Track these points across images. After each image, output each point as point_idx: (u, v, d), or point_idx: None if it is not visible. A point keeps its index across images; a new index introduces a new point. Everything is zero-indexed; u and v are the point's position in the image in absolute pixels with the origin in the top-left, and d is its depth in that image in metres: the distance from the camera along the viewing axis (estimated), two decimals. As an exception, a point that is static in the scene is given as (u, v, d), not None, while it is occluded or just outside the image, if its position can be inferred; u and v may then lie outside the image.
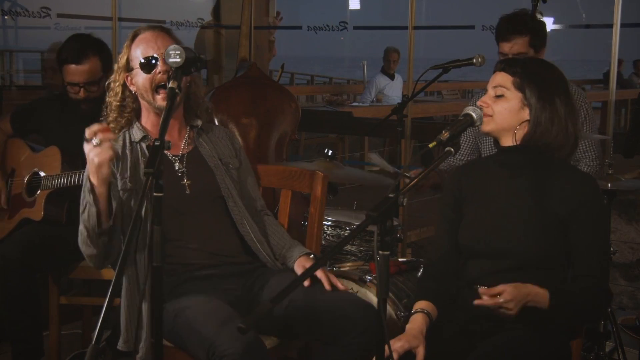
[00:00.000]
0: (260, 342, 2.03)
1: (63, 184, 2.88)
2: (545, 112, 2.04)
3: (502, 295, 1.92)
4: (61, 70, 3.01)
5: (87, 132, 1.98)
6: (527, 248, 2.03)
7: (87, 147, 1.99)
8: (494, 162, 2.18)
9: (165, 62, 2.13)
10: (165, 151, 2.24)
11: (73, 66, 2.95)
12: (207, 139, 2.45)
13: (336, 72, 15.60)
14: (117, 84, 2.31)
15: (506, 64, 2.12)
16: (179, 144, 2.38)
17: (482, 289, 1.96)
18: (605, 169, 2.95)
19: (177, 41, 2.29)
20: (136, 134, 2.34)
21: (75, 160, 2.94)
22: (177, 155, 2.36)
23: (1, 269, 2.80)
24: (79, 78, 2.95)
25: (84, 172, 2.79)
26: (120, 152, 2.28)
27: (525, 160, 2.10)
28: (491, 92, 2.11)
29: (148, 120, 2.36)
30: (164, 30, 2.34)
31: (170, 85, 1.89)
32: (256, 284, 2.30)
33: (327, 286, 2.21)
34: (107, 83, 2.36)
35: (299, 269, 2.33)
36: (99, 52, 3.01)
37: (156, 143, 1.77)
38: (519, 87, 2.07)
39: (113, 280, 1.63)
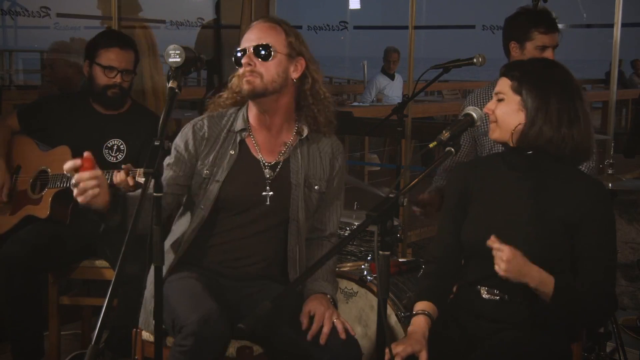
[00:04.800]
0: (218, 314, 1.99)
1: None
2: (539, 113, 2.02)
3: (503, 248, 1.91)
4: (94, 56, 3.01)
5: (65, 168, 1.92)
6: (531, 251, 2.00)
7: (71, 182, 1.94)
8: (501, 162, 2.17)
9: (252, 54, 2.18)
10: (259, 155, 2.27)
11: (117, 50, 3.01)
12: (305, 151, 2.33)
13: (336, 72, 15.57)
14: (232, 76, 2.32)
15: (507, 69, 2.12)
16: (277, 150, 2.31)
17: (492, 238, 1.94)
18: (606, 168, 2.94)
19: (279, 32, 2.24)
20: (239, 123, 2.29)
21: None
22: (269, 162, 2.28)
23: (6, 269, 2.80)
24: (119, 63, 3.01)
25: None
26: (214, 135, 2.27)
27: (533, 163, 2.09)
28: (494, 97, 2.12)
29: (251, 112, 2.31)
30: (269, 20, 2.27)
31: (170, 85, 1.89)
32: (259, 294, 2.26)
33: (321, 335, 2.08)
34: None
35: (309, 303, 2.19)
36: (135, 50, 3.12)
37: (156, 143, 1.76)
38: (517, 90, 2.06)
39: (113, 280, 1.63)
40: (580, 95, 2.09)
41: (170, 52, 1.91)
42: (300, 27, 5.51)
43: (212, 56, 5.65)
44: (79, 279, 3.19)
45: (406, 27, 4.48)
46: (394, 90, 8.22)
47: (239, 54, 2.23)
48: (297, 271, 2.30)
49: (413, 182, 1.82)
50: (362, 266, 2.78)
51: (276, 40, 2.22)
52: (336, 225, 2.43)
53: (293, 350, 2.11)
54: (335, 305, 2.23)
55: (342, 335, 2.08)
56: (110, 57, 3.01)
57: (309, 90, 2.30)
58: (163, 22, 5.45)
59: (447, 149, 1.92)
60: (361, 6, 6.54)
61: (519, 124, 2.05)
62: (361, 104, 8.22)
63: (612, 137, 3.83)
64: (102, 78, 3.01)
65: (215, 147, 2.27)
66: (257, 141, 2.30)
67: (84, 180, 1.90)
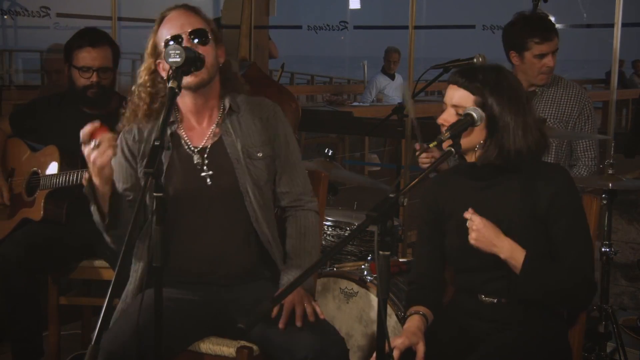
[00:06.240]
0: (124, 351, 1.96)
1: (62, 183, 2.88)
2: (507, 127, 2.00)
3: (474, 218, 1.96)
4: (70, 59, 3.01)
5: (82, 134, 1.95)
6: None
7: (85, 150, 1.96)
8: (464, 176, 2.15)
9: (189, 39, 2.16)
10: (186, 143, 2.25)
11: (89, 49, 2.98)
12: (236, 123, 2.28)
13: (336, 72, 15.55)
14: (146, 71, 2.25)
15: (465, 79, 2.04)
16: (205, 134, 2.27)
17: (470, 210, 1.98)
18: (607, 169, 2.94)
19: (204, 19, 2.24)
20: None
21: (74, 159, 2.94)
22: (196, 147, 2.25)
23: (2, 269, 2.80)
24: (93, 62, 2.99)
25: (83, 171, 2.81)
26: (145, 137, 2.25)
27: (495, 170, 2.07)
28: (451, 110, 2.06)
29: (183, 102, 2.25)
30: (189, 8, 2.25)
31: (170, 84, 1.89)
32: (234, 302, 2.22)
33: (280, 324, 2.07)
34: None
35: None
36: (110, 44, 3.08)
37: (156, 143, 1.76)
38: (481, 106, 2.00)
39: (112, 280, 1.62)
40: (528, 98, 2.08)
41: (171, 52, 1.90)
42: (300, 27, 5.50)
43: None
44: (79, 279, 3.19)
45: (406, 27, 4.48)
46: (394, 90, 8.22)
47: (170, 40, 2.16)
48: (270, 244, 2.25)
49: (413, 182, 1.82)
50: (362, 266, 2.78)
51: (205, 25, 2.22)
52: (302, 185, 2.36)
53: (278, 349, 2.09)
54: (310, 291, 2.21)
55: (311, 318, 2.08)
56: (84, 56, 2.99)
57: (229, 74, 2.32)
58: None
59: (447, 148, 1.92)
60: (361, 6, 6.52)
61: (481, 141, 2.03)
62: (361, 103, 8.22)
63: (613, 137, 3.83)
64: (79, 80, 3.00)
65: (149, 146, 2.20)
66: (188, 130, 2.27)
67: (106, 140, 1.93)
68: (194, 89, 2.21)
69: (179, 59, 1.89)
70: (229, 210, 2.24)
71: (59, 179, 2.90)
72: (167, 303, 1.92)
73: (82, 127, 3.00)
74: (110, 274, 2.94)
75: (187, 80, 2.12)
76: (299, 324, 2.06)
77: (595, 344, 3.07)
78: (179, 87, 1.89)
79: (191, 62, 1.94)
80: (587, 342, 3.04)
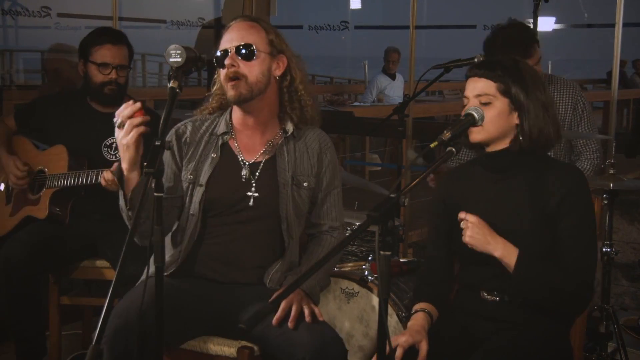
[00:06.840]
0: (128, 333, 1.98)
1: (70, 183, 2.88)
2: (534, 110, 2.03)
3: (468, 217, 1.99)
4: (88, 55, 3.01)
5: (117, 113, 1.98)
6: (528, 248, 2.00)
7: (116, 131, 1.99)
8: (480, 167, 2.17)
9: (234, 54, 2.17)
10: (237, 155, 2.26)
11: (109, 46, 3.00)
12: (292, 148, 2.30)
13: (337, 72, 15.52)
14: (216, 75, 2.31)
15: (486, 69, 2.07)
16: (260, 150, 2.29)
17: (462, 212, 2.02)
18: (608, 169, 2.94)
19: (261, 31, 2.23)
20: (221, 126, 2.29)
21: (82, 159, 2.94)
22: (248, 161, 2.27)
23: (5, 269, 2.80)
24: (113, 59, 3.00)
25: (91, 172, 2.82)
26: (197, 139, 2.27)
27: (512, 162, 2.09)
28: (474, 100, 2.08)
29: (234, 114, 2.30)
30: (247, 19, 2.26)
31: (170, 85, 1.89)
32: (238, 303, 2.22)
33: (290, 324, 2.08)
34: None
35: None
36: (128, 44, 3.10)
37: (156, 143, 1.76)
38: (505, 92, 2.04)
39: (113, 280, 1.62)
40: (545, 84, 2.15)
41: (171, 51, 1.90)
42: (301, 27, 5.52)
43: (213, 56, 5.66)
44: (80, 279, 3.19)
45: (407, 27, 4.48)
46: (395, 90, 8.22)
47: (219, 55, 2.20)
48: (278, 266, 2.26)
49: (414, 182, 1.82)
50: (363, 266, 2.78)
51: (257, 39, 2.21)
52: (336, 218, 2.39)
53: (277, 350, 2.09)
54: (311, 297, 2.20)
55: (308, 319, 2.08)
56: (104, 53, 2.99)
57: (293, 87, 2.29)
58: (164, 22, 5.46)
59: (448, 148, 1.92)
60: (362, 6, 6.54)
61: (515, 124, 2.05)
62: (362, 104, 8.22)
63: (614, 137, 3.84)
64: (97, 76, 3.00)
65: (197, 151, 2.27)
66: (240, 142, 2.28)
67: (128, 117, 1.96)
68: (235, 102, 2.23)
69: (179, 59, 1.89)
70: (262, 226, 2.26)
71: (67, 180, 2.89)
72: (169, 291, 1.92)
73: (89, 125, 3.02)
74: (111, 274, 2.94)
75: (229, 93, 2.19)
76: (291, 325, 2.06)
77: (596, 344, 3.07)
78: (180, 87, 1.90)
79: (192, 62, 1.94)
80: (588, 342, 3.05)
